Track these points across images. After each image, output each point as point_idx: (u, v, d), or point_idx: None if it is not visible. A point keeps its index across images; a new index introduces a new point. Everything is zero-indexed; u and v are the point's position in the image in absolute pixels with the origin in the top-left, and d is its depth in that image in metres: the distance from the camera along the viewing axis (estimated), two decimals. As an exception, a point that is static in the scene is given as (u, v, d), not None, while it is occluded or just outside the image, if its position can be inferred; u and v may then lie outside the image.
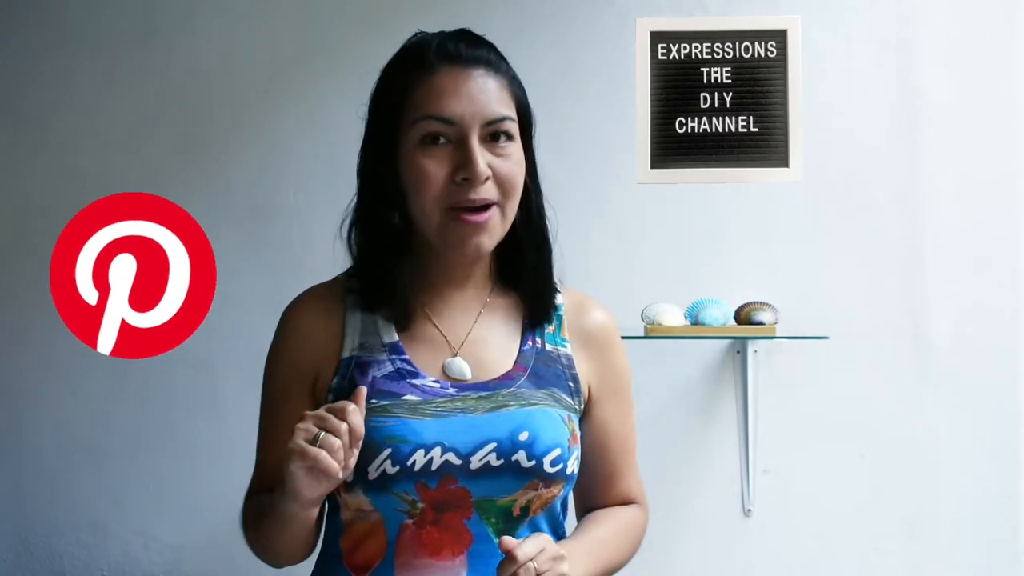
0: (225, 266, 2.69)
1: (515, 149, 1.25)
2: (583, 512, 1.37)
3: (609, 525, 1.33)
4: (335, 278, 1.33)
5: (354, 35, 2.65)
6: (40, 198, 2.75)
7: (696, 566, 2.59)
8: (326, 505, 1.27)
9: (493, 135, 1.23)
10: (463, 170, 1.20)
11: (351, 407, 1.11)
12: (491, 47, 1.28)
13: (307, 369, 1.27)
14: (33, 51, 2.75)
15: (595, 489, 1.35)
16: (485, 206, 1.22)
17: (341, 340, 1.27)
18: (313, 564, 1.30)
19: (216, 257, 2.69)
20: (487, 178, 1.21)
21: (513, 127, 1.25)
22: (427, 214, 1.23)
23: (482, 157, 1.21)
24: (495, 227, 1.23)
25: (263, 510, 1.22)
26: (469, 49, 1.25)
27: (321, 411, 1.11)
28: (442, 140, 1.22)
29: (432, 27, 1.31)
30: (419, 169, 1.22)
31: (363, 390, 1.15)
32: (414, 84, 1.23)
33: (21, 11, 2.75)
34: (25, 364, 2.74)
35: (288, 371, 1.28)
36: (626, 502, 1.37)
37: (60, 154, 2.74)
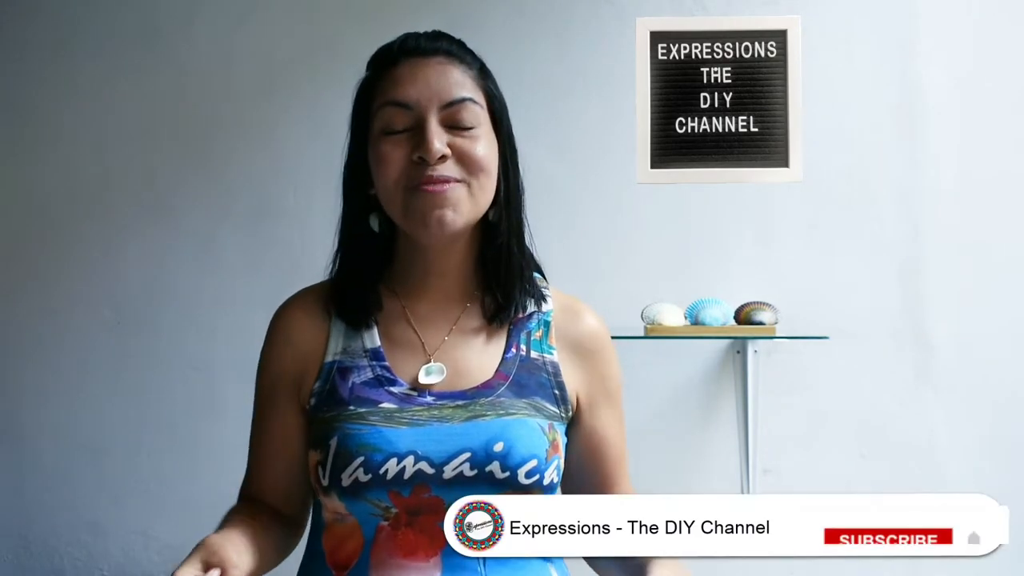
0: (225, 267, 2.71)
1: (482, 134, 1.23)
2: None
3: None
4: (326, 280, 1.32)
5: (354, 35, 2.64)
6: (40, 199, 2.75)
7: (696, 566, 2.58)
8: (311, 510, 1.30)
9: (457, 122, 1.21)
10: (419, 149, 1.19)
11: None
12: (455, 41, 1.27)
13: (291, 375, 1.26)
14: (33, 52, 2.75)
15: None
16: (446, 180, 1.20)
17: (325, 344, 1.26)
18: (300, 561, 1.30)
19: (216, 258, 2.71)
20: (443, 156, 1.19)
21: (478, 112, 1.23)
22: (391, 198, 1.22)
23: (439, 137, 1.19)
24: (460, 202, 1.20)
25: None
26: (429, 42, 1.25)
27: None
28: (402, 128, 1.21)
29: (432, 27, 1.31)
30: (379, 154, 1.22)
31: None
32: (378, 80, 1.24)
33: (21, 12, 2.75)
34: (25, 364, 2.74)
35: (274, 377, 1.28)
36: None
37: (60, 155, 2.74)
